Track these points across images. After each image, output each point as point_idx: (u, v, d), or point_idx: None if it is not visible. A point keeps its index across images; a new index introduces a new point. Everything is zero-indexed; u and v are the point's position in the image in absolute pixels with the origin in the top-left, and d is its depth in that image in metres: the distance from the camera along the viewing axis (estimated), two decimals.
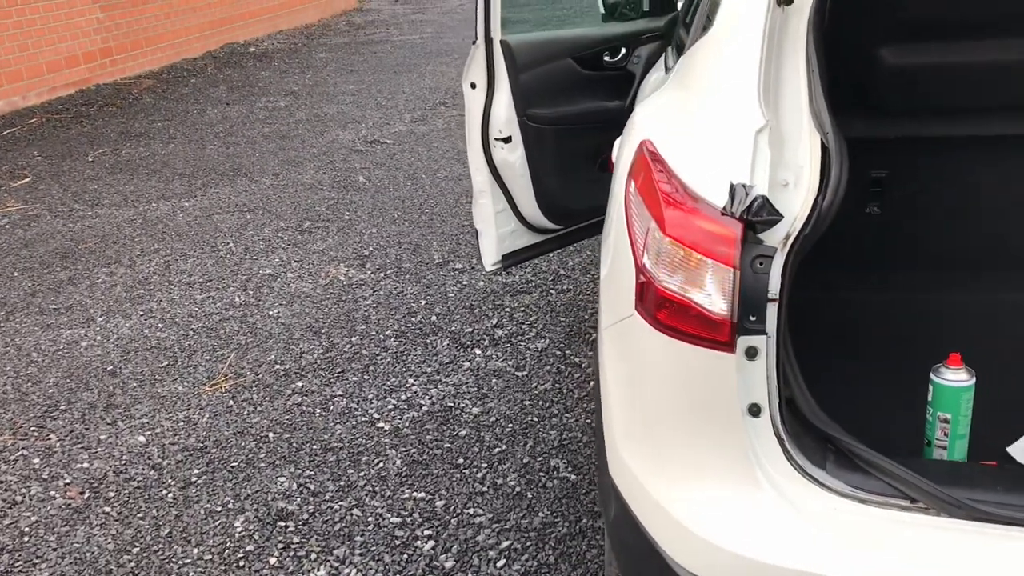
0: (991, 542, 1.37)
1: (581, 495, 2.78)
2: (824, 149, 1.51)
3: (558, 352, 3.61)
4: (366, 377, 3.52)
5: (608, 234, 1.89)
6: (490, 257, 3.35)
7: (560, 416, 3.19)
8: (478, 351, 3.66)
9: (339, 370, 3.58)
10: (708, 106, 1.67)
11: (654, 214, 1.53)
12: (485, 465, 2.95)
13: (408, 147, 6.60)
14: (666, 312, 1.48)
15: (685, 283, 1.45)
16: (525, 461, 2.96)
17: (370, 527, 2.70)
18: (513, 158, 3.20)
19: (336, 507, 2.79)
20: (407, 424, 3.20)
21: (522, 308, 3.99)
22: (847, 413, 1.62)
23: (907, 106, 2.19)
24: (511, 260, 3.42)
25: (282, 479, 2.94)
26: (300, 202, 5.57)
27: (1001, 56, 2.06)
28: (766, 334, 1.43)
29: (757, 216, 1.40)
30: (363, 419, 3.24)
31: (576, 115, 3.31)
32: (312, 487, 2.89)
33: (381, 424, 3.21)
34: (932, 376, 1.76)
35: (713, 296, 1.42)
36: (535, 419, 3.18)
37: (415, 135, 6.91)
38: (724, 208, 1.42)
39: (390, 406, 3.31)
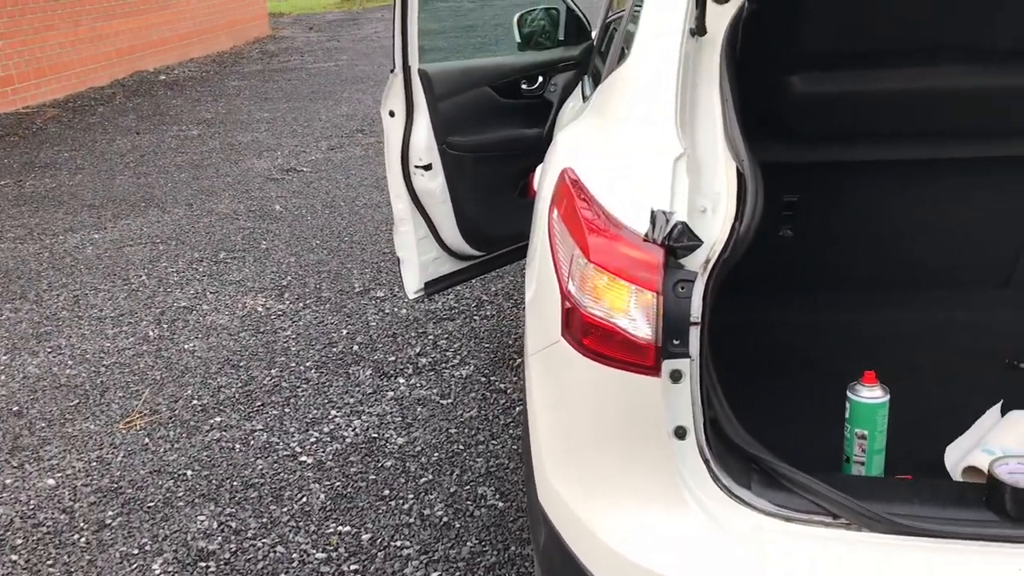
0: (910, 554, 1.41)
1: (509, 522, 2.77)
2: (740, 176, 1.55)
3: (483, 379, 3.60)
4: (287, 410, 3.45)
5: (532, 261, 1.90)
6: (412, 285, 3.33)
7: (487, 443, 3.18)
8: (402, 380, 3.63)
9: (259, 404, 3.51)
10: (627, 134, 1.70)
11: (578, 241, 1.54)
12: (411, 496, 2.92)
13: (325, 175, 6.55)
14: (592, 338, 1.49)
15: (610, 309, 1.46)
16: (452, 490, 2.93)
17: (295, 564, 2.64)
18: (434, 185, 3.20)
19: (259, 544, 2.72)
20: (330, 457, 3.14)
21: (445, 335, 3.98)
22: (769, 433, 1.65)
23: (817, 132, 2.27)
24: (434, 287, 3.41)
25: (202, 518, 2.86)
26: (215, 232, 5.46)
27: (906, 84, 2.15)
28: (689, 357, 1.45)
29: (678, 242, 1.43)
30: (285, 453, 3.18)
31: (495, 142, 3.33)
32: (233, 525, 2.82)
33: (304, 458, 3.15)
34: (848, 394, 1.82)
35: (637, 321, 1.44)
36: (461, 447, 3.16)
37: (332, 163, 6.85)
38: (646, 234, 1.44)
39: (312, 439, 3.26)
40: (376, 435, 3.26)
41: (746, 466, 1.53)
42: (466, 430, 3.26)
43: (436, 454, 3.13)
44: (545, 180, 1.93)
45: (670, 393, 1.46)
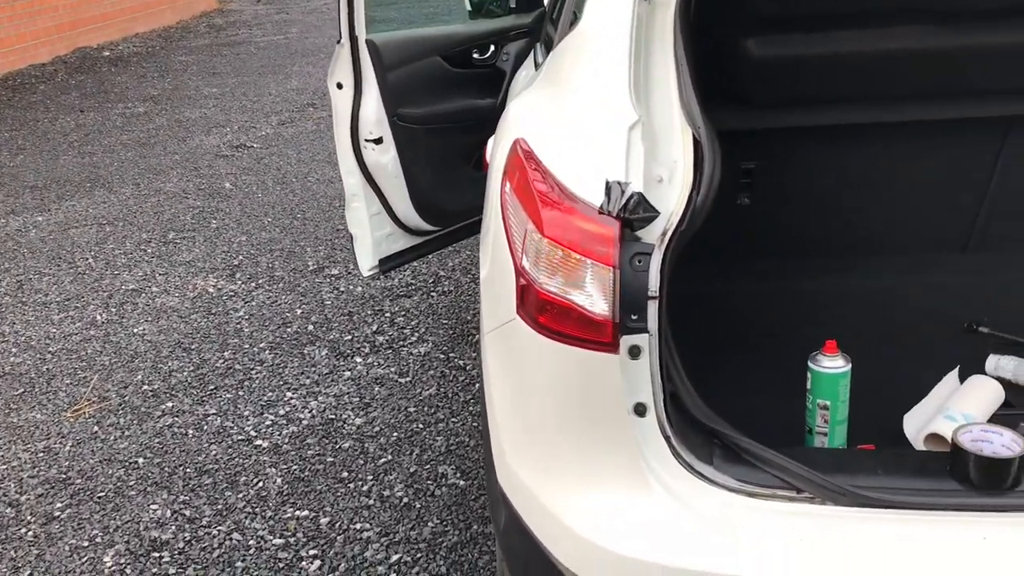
0: (875, 527, 1.38)
1: (471, 501, 2.73)
2: (696, 143, 1.50)
3: (441, 356, 3.55)
4: (241, 393, 3.37)
5: (486, 236, 1.84)
6: (367, 262, 3.26)
7: (446, 421, 3.13)
8: (359, 359, 3.56)
9: (212, 387, 3.42)
10: (580, 103, 1.64)
11: (531, 215, 1.48)
12: (371, 477, 2.86)
13: (276, 150, 6.41)
14: (547, 315, 1.44)
15: (565, 285, 1.41)
16: (412, 470, 2.89)
17: (251, 551, 2.58)
18: (385, 159, 3.12)
19: (214, 532, 2.66)
20: (287, 440, 3.08)
21: (403, 312, 3.91)
22: (730, 405, 1.62)
23: (774, 97, 2.22)
24: (389, 264, 3.34)
25: (155, 506, 2.78)
26: (163, 212, 5.32)
27: (862, 47, 2.11)
28: (648, 332, 1.41)
29: (634, 213, 1.37)
30: (239, 438, 3.10)
31: (448, 114, 3.25)
32: (187, 513, 2.75)
33: (259, 442, 3.08)
34: (809, 364, 1.79)
35: (594, 297, 1.39)
36: (421, 426, 3.11)
37: (283, 138, 6.71)
38: (601, 206, 1.39)
39: (268, 422, 3.18)
40: (333, 416, 3.20)
41: (708, 441, 1.50)
42: (425, 408, 3.21)
43: (395, 434, 3.08)
44: (497, 151, 1.87)
45: (629, 370, 1.42)
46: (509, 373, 1.60)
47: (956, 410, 1.75)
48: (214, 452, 3.03)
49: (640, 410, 1.44)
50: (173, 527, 2.69)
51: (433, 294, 4.06)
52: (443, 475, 2.85)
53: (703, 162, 1.48)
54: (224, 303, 4.10)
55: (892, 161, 2.32)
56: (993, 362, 2.08)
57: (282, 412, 3.24)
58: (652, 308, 1.40)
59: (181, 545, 2.61)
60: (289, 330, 3.82)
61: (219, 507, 2.76)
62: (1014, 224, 2.40)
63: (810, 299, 2.36)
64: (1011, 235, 2.42)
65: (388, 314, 3.90)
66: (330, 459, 2.96)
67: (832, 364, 1.76)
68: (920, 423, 1.81)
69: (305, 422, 3.17)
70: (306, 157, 6.21)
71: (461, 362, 3.49)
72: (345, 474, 2.89)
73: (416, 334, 3.72)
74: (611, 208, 1.37)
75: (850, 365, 1.77)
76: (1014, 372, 2.03)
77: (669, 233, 1.41)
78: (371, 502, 2.75)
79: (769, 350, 2.14)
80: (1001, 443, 1.42)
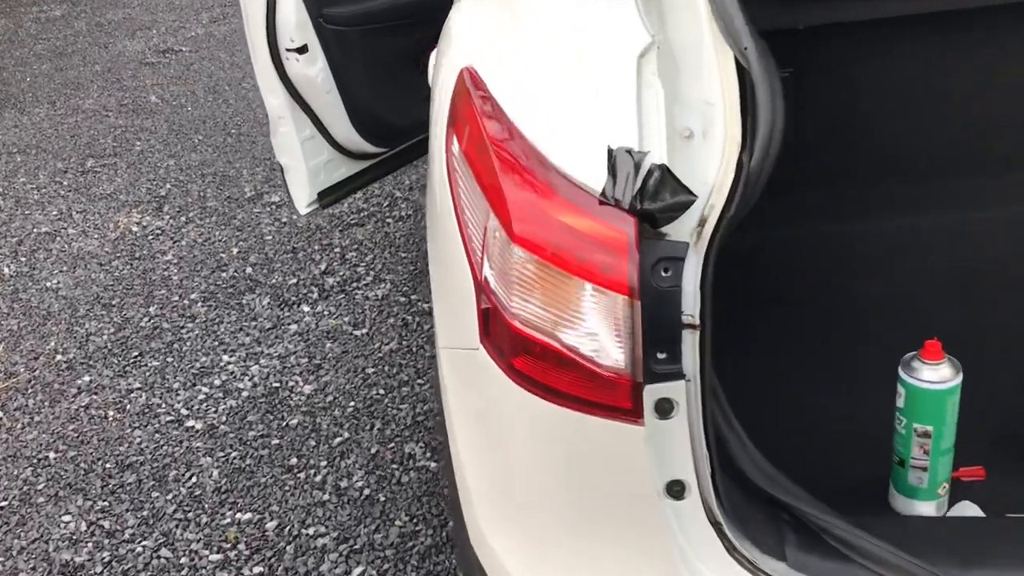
0: None
1: (445, 489, 2.28)
2: (742, 72, 0.96)
3: (402, 298, 3.05)
4: (169, 360, 2.87)
5: (432, 204, 1.31)
6: (303, 197, 2.72)
7: (411, 384, 2.66)
8: (306, 308, 3.06)
9: (135, 354, 2.92)
10: (560, 16, 1.08)
11: (492, 199, 0.96)
12: (324, 463, 2.41)
13: (207, 54, 5.72)
14: (526, 360, 0.94)
15: (552, 316, 0.90)
16: (373, 451, 2.43)
17: (184, 572, 2.14)
18: (313, 72, 2.55)
19: (139, 549, 2.21)
20: (224, 418, 2.60)
21: (355, 245, 3.39)
22: (780, 422, 1.14)
23: None
24: (331, 197, 2.80)
25: (67, 518, 2.32)
26: (81, 135, 4.69)
27: None
28: (685, 377, 0.91)
29: (657, 200, 0.86)
30: (168, 418, 2.63)
31: (384, 10, 2.67)
32: (106, 525, 2.29)
33: (191, 422, 2.60)
34: (902, 373, 1.28)
35: (600, 339, 0.88)
36: (382, 391, 2.64)
37: (215, 38, 6.00)
38: (603, 192, 0.87)
39: (201, 396, 2.70)
40: (278, 384, 2.72)
41: (774, 519, 1.02)
42: (386, 368, 2.73)
43: (352, 403, 2.61)
44: (439, 80, 1.32)
45: (658, 436, 0.93)
46: (478, 419, 1.11)
47: None
48: (138, 439, 2.56)
49: (676, 491, 0.96)
50: (89, 544, 2.24)
51: (389, 220, 3.53)
52: (410, 455, 2.40)
53: (755, 103, 0.95)
54: (150, 244, 3.55)
55: (966, 57, 1.77)
56: None
57: (218, 382, 2.75)
58: (689, 341, 0.90)
59: (99, 569, 2.17)
60: (224, 275, 3.29)
61: (144, 514, 2.31)
62: None
63: (870, 245, 1.82)
64: None
65: (338, 248, 3.37)
66: (275, 441, 2.50)
67: (936, 376, 1.24)
68: None
69: (245, 393, 2.69)
70: (240, 60, 5.52)
71: (425, 305, 3.00)
72: (294, 460, 2.43)
73: (372, 272, 3.21)
74: (620, 195, 0.85)
75: (961, 375, 1.26)
76: None
77: (710, 223, 0.90)
78: (326, 496, 2.30)
79: (826, 326, 1.63)
80: None
